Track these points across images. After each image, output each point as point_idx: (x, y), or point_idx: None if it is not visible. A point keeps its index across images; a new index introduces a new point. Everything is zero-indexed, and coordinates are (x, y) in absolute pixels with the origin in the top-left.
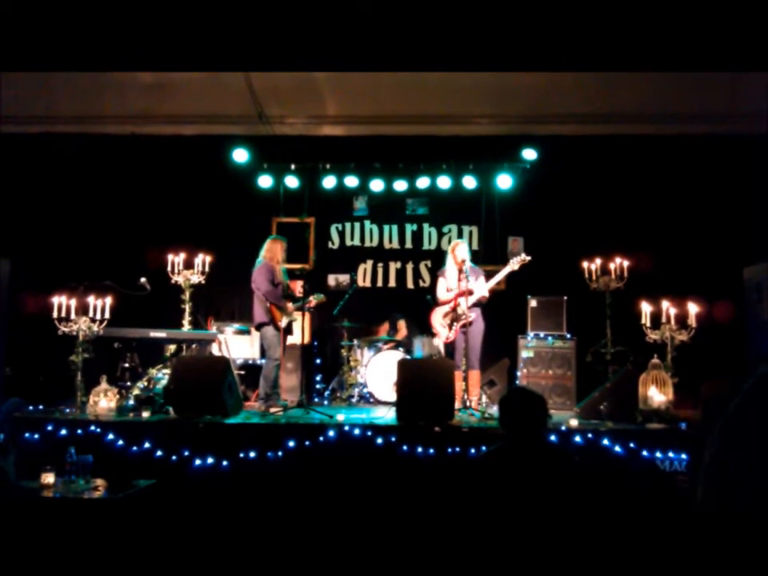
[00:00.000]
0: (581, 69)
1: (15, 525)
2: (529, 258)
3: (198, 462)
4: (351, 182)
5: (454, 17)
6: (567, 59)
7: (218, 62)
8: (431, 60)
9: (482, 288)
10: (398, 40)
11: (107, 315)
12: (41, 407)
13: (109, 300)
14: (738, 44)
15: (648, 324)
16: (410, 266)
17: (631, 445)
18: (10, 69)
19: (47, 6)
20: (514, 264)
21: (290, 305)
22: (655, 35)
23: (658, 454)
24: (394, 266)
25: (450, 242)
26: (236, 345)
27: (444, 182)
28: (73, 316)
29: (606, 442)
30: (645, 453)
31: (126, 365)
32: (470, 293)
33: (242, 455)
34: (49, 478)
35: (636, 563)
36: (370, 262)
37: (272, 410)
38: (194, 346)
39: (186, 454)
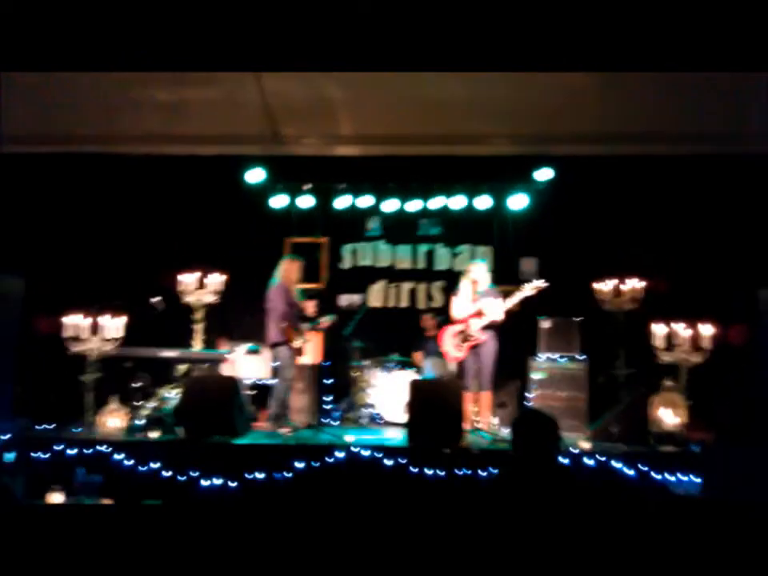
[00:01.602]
0: (588, 69)
1: (16, 544)
2: (545, 284)
3: (205, 482)
4: (365, 202)
5: (455, 17)
6: (572, 59)
7: (219, 61)
8: (432, 60)
9: (497, 312)
10: (398, 40)
11: (120, 335)
12: (50, 426)
13: (122, 320)
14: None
15: (662, 346)
16: (422, 287)
17: (643, 468)
18: (8, 69)
19: (45, 6)
20: (529, 290)
21: (303, 326)
22: (664, 36)
23: (671, 477)
24: (406, 287)
25: (463, 262)
26: (247, 364)
27: (457, 202)
28: (85, 336)
29: (618, 464)
30: (657, 476)
31: (137, 384)
32: (480, 314)
33: (250, 476)
34: (56, 498)
35: None
36: (382, 283)
37: (281, 430)
38: (205, 365)
39: (194, 474)
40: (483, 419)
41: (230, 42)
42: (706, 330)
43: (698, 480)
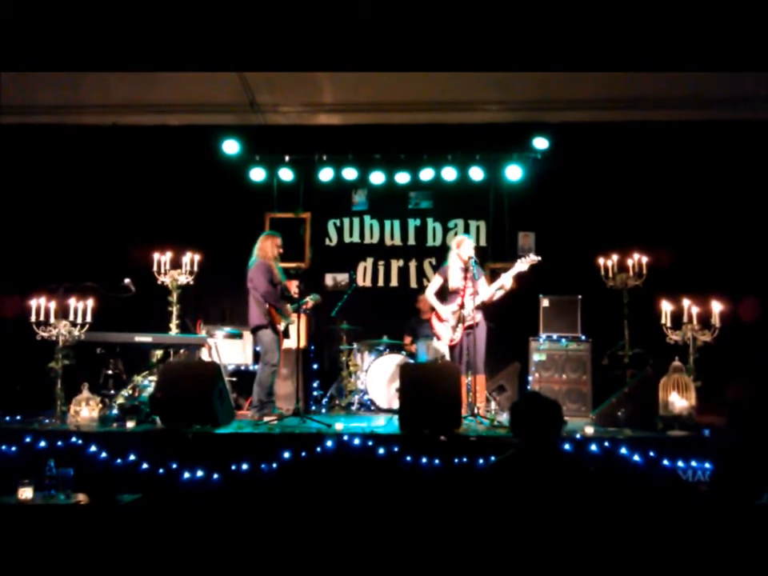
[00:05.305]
0: (580, 69)
1: None
2: (539, 258)
3: (186, 475)
4: (350, 174)
5: (454, 17)
6: (568, 59)
7: (221, 62)
8: (432, 61)
9: (484, 291)
10: (398, 41)
11: (89, 319)
12: (18, 418)
13: (90, 302)
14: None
15: (668, 324)
16: (413, 264)
17: (651, 453)
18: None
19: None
20: (522, 265)
21: (288, 307)
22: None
23: (680, 464)
24: (396, 264)
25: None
26: (227, 349)
27: (449, 174)
28: (52, 320)
29: (623, 450)
30: (666, 462)
31: (110, 372)
32: (475, 293)
33: (233, 467)
34: (26, 493)
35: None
36: (370, 260)
37: (266, 418)
38: (181, 350)
39: (174, 466)
40: (479, 404)
41: (238, 42)
42: (716, 306)
43: (709, 466)
